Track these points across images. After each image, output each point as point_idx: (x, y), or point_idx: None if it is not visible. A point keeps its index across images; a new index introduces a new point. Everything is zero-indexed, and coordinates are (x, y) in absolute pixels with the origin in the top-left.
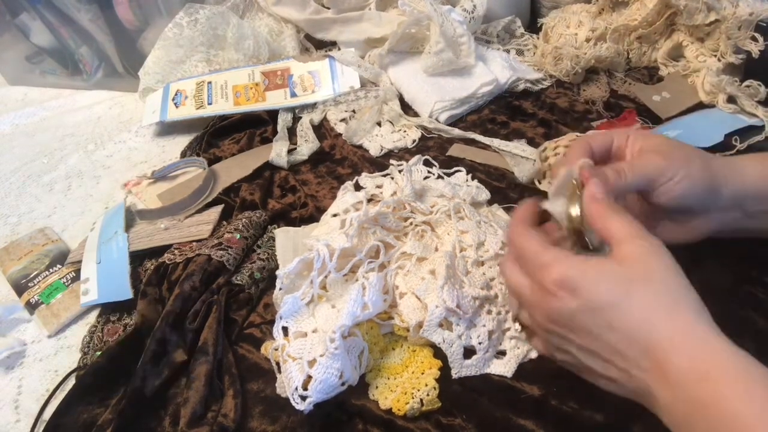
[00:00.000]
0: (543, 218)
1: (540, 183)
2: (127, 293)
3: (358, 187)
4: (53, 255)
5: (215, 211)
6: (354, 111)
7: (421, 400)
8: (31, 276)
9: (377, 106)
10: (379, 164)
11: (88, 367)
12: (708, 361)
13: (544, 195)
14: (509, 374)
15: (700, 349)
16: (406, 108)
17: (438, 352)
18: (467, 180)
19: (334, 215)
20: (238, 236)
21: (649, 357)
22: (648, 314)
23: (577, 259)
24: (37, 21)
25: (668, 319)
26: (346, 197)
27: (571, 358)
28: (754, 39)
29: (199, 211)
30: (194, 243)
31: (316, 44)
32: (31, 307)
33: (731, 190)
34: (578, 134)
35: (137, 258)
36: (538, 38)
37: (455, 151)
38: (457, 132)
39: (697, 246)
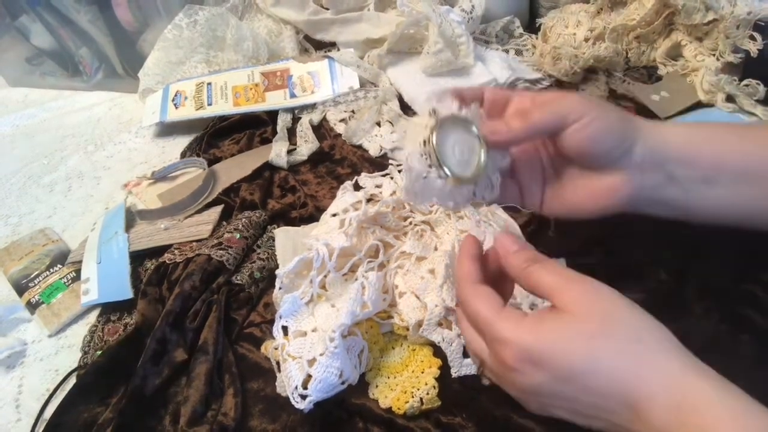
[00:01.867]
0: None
1: None
2: (127, 293)
3: (357, 187)
4: (54, 255)
5: (215, 212)
6: (353, 111)
7: (421, 398)
8: (32, 276)
9: (376, 106)
10: (378, 164)
11: (89, 367)
12: (689, 405)
13: None
14: None
15: (678, 391)
16: (406, 108)
17: (437, 351)
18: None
19: (334, 215)
20: (238, 236)
21: (630, 410)
22: (620, 372)
23: (532, 326)
24: (37, 23)
25: (639, 371)
26: (345, 197)
27: (548, 413)
28: (752, 38)
29: (199, 212)
30: (194, 243)
31: (315, 45)
32: (32, 306)
33: (649, 144)
34: None
35: (137, 258)
36: (536, 38)
37: None
38: None
39: (695, 243)
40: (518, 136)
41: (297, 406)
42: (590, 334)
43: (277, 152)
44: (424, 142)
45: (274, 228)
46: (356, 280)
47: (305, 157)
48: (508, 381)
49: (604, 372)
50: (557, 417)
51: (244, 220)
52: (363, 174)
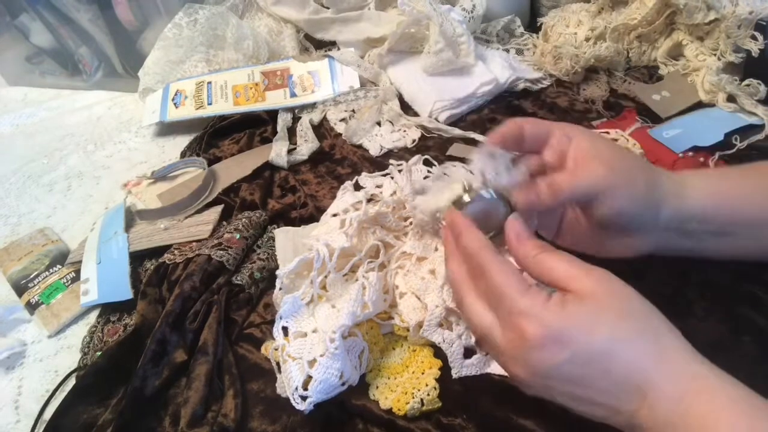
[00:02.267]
0: None
1: None
2: (127, 293)
3: (357, 187)
4: (53, 255)
5: (215, 212)
6: (354, 111)
7: (422, 399)
8: (31, 276)
9: (377, 105)
10: (378, 164)
11: (88, 368)
12: (693, 393)
13: None
14: None
15: (685, 381)
16: (406, 108)
17: (438, 352)
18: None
19: (334, 215)
20: (237, 236)
21: (641, 397)
22: (639, 357)
23: (557, 306)
24: (37, 22)
25: (655, 358)
26: (345, 197)
27: (549, 397)
28: (753, 38)
29: (199, 212)
30: (194, 243)
31: (315, 44)
32: (31, 307)
33: (671, 211)
34: None
35: (137, 258)
36: (537, 37)
37: (455, 150)
38: (456, 131)
39: None
40: (547, 206)
41: (297, 407)
42: (613, 317)
43: (277, 152)
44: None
45: (274, 228)
46: (357, 280)
47: (305, 157)
48: (519, 359)
49: (624, 355)
50: (556, 402)
51: (244, 220)
52: (363, 174)
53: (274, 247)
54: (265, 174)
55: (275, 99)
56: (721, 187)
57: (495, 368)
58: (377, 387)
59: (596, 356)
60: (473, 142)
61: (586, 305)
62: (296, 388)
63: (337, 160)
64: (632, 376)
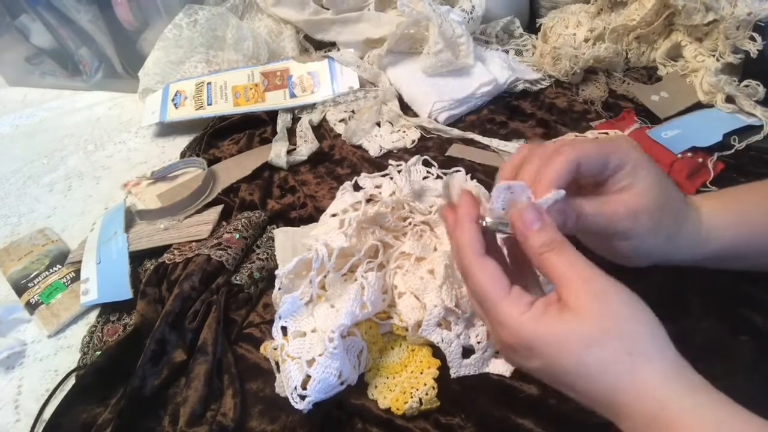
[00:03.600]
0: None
1: None
2: (126, 293)
3: (357, 188)
4: (53, 255)
5: (215, 212)
6: (353, 111)
7: (420, 399)
8: (31, 276)
9: (376, 106)
10: (378, 164)
11: (88, 367)
12: (665, 417)
13: None
14: (508, 373)
15: (656, 403)
16: (405, 108)
17: (437, 352)
18: (466, 180)
19: (333, 215)
20: (237, 236)
21: (614, 413)
22: (605, 382)
23: (533, 316)
24: (37, 22)
25: (623, 384)
26: (345, 197)
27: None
28: (752, 39)
29: (199, 212)
30: (194, 243)
31: (315, 45)
32: (31, 307)
33: (689, 251)
34: (576, 134)
35: (137, 258)
36: (536, 38)
37: (454, 151)
38: (456, 132)
39: None
40: (568, 232)
41: (296, 406)
42: (586, 340)
43: (277, 152)
44: None
45: (274, 228)
46: (355, 280)
47: (305, 158)
48: (507, 355)
49: (591, 379)
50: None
51: (243, 220)
52: (363, 174)
53: (273, 247)
54: (264, 174)
55: (275, 100)
56: (740, 218)
57: (493, 368)
58: (376, 386)
59: (564, 375)
60: (472, 143)
61: (564, 321)
62: (295, 388)
63: (337, 161)
64: (600, 396)
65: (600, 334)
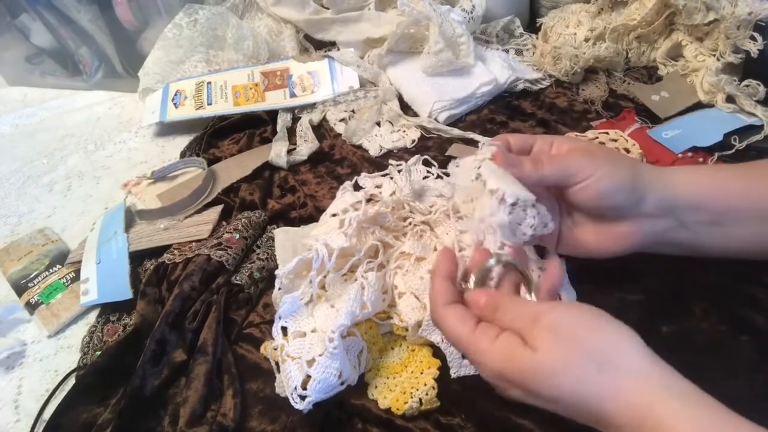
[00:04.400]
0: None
1: None
2: (126, 293)
3: (357, 187)
4: (53, 255)
5: (215, 212)
6: (353, 111)
7: (420, 399)
8: (31, 276)
9: (376, 106)
10: (378, 164)
11: (88, 367)
12: (652, 421)
13: None
14: None
15: (641, 410)
16: (406, 108)
17: (437, 352)
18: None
19: (333, 215)
20: (237, 236)
21: (602, 425)
22: (582, 400)
23: (502, 352)
24: (37, 22)
25: (600, 398)
26: (345, 197)
27: None
28: (753, 38)
29: (199, 212)
30: (194, 243)
31: (315, 44)
32: (31, 307)
33: (658, 195)
34: (577, 134)
35: (137, 258)
36: (537, 38)
37: (454, 150)
38: (456, 132)
39: None
40: (529, 179)
41: (296, 406)
42: (551, 372)
43: (277, 152)
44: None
45: (274, 228)
46: (356, 280)
47: (305, 157)
48: (493, 386)
49: (571, 402)
50: None
51: (243, 220)
52: (363, 174)
53: (273, 247)
54: (264, 174)
55: (275, 99)
56: (707, 179)
57: None
58: (376, 386)
59: (545, 402)
60: (472, 143)
61: (526, 356)
62: (295, 388)
63: (337, 161)
64: (583, 412)
65: (562, 364)
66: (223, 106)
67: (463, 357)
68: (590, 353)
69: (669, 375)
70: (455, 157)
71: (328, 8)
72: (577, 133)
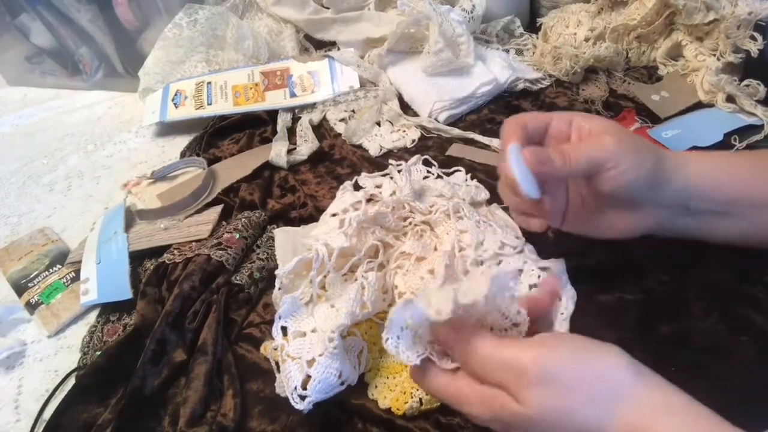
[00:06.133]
0: None
1: None
2: (126, 293)
3: (357, 187)
4: (53, 255)
5: (215, 211)
6: (353, 111)
7: (420, 399)
8: (31, 276)
9: (376, 106)
10: (378, 164)
11: (88, 367)
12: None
13: None
14: None
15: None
16: (406, 108)
17: None
18: (466, 180)
19: (333, 215)
20: (237, 236)
21: None
22: (589, 429)
23: (488, 400)
24: (37, 22)
25: (607, 423)
26: (345, 197)
27: None
28: (753, 38)
29: (199, 212)
30: (194, 243)
31: (315, 44)
32: (31, 307)
33: (675, 188)
34: None
35: (137, 258)
36: (537, 38)
37: (454, 150)
38: (456, 132)
39: (697, 245)
40: (559, 175)
41: (296, 406)
42: (546, 422)
43: (277, 152)
44: None
45: (274, 228)
46: (356, 280)
47: (305, 157)
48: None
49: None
50: None
51: (243, 220)
52: (363, 174)
53: (273, 247)
54: (264, 174)
55: (275, 99)
56: (723, 166)
57: None
58: (376, 386)
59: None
60: (472, 142)
61: (517, 411)
62: (295, 388)
63: (337, 160)
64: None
65: (560, 416)
66: (223, 106)
67: None
68: (584, 398)
69: (660, 389)
70: (455, 157)
71: (328, 8)
72: None
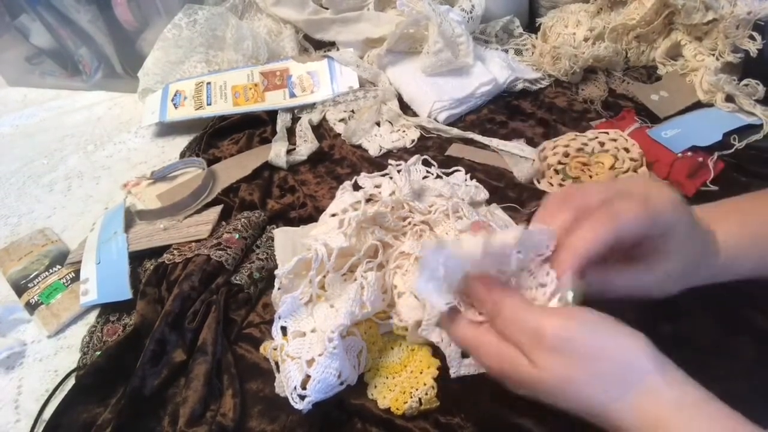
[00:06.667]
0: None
1: (539, 183)
2: (126, 293)
3: (356, 187)
4: (53, 255)
5: (214, 212)
6: (353, 111)
7: (420, 399)
8: (31, 276)
9: (376, 106)
10: (377, 164)
11: (88, 367)
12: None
13: (543, 194)
14: None
15: (655, 421)
16: (405, 108)
17: (436, 351)
18: (466, 180)
19: (333, 215)
20: (237, 236)
21: (612, 428)
22: (594, 412)
23: (504, 354)
24: (37, 22)
25: (614, 408)
26: (344, 197)
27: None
28: (752, 38)
29: (199, 212)
30: (193, 243)
31: (314, 44)
32: (31, 307)
33: (708, 275)
34: (577, 134)
35: (137, 258)
36: (536, 38)
37: (454, 150)
38: (455, 132)
39: None
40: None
41: (296, 406)
42: (557, 389)
43: (277, 152)
44: None
45: (273, 228)
46: (355, 280)
47: (305, 157)
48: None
49: (580, 411)
50: None
51: (243, 220)
52: (362, 174)
53: (273, 247)
54: (264, 174)
55: (274, 99)
56: (757, 243)
57: None
58: (375, 386)
59: (558, 405)
60: (472, 142)
61: (531, 374)
62: (295, 388)
63: (336, 161)
64: (598, 420)
65: (567, 384)
66: (222, 107)
67: (464, 356)
68: (596, 373)
69: (679, 385)
70: (455, 157)
71: (327, 8)
72: (577, 133)
